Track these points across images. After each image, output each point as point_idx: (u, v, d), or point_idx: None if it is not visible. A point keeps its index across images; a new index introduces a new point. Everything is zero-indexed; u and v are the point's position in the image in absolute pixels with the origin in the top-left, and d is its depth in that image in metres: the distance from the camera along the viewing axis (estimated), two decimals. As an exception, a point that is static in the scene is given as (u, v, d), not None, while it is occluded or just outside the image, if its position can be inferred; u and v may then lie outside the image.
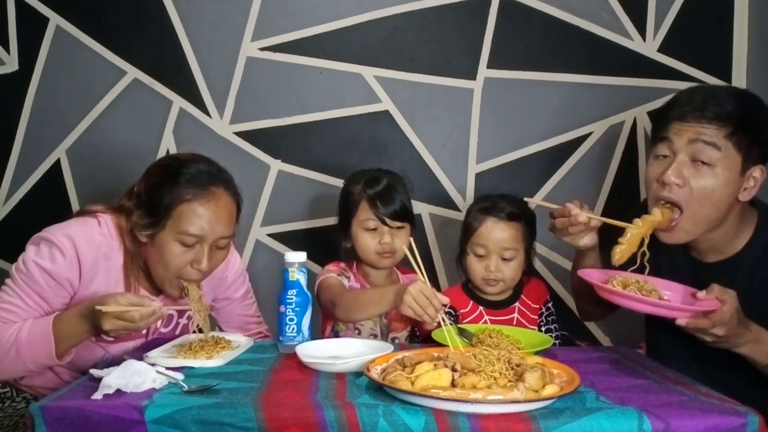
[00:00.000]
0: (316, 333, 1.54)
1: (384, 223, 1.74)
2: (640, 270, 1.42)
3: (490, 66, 2.33)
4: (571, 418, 1.01)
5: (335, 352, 1.36)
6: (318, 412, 1.02)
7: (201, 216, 1.44)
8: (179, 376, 1.17)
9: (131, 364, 1.14)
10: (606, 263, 1.56)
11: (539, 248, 2.23)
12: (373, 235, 1.75)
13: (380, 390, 1.12)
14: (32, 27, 2.29)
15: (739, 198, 1.39)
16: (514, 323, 1.74)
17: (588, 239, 1.51)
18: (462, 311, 1.76)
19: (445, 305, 1.44)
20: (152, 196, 1.46)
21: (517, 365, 1.15)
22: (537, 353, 1.35)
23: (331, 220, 2.17)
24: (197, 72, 2.31)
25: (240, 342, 1.47)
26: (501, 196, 1.80)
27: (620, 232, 1.43)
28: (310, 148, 2.33)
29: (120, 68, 2.30)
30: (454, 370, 1.12)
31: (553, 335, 1.73)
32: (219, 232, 1.47)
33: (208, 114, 2.32)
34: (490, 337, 1.49)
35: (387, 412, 1.02)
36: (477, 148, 2.35)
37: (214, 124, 2.33)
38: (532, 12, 2.32)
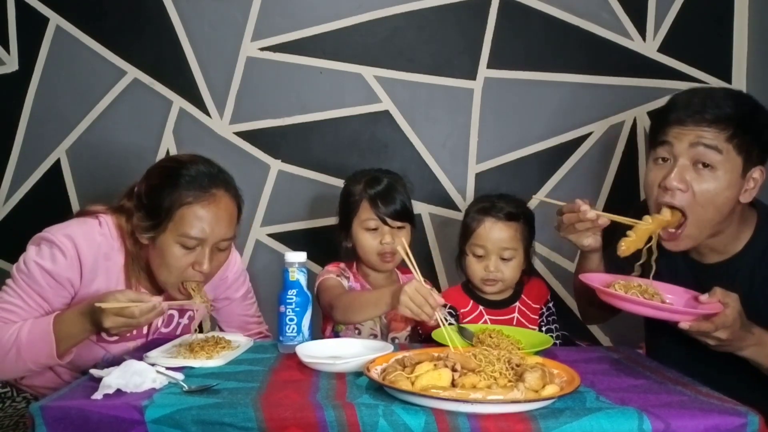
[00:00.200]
0: (316, 333, 1.54)
1: (385, 223, 1.74)
2: (647, 270, 1.41)
3: (490, 66, 2.33)
4: (571, 418, 1.01)
5: (335, 352, 1.36)
6: (318, 412, 1.02)
7: (202, 218, 1.44)
8: (179, 376, 1.17)
9: (131, 364, 1.14)
10: (608, 263, 1.57)
11: (539, 248, 2.23)
12: (374, 235, 1.76)
13: (380, 390, 1.12)
14: (32, 27, 2.29)
15: (740, 199, 1.39)
16: (515, 323, 1.74)
17: (592, 240, 1.50)
18: (462, 311, 1.76)
19: (443, 305, 1.44)
20: (153, 199, 1.46)
21: (517, 365, 1.15)
22: (537, 353, 1.35)
23: (331, 220, 2.17)
24: (197, 72, 2.31)
25: (240, 342, 1.47)
26: (499, 196, 1.80)
27: (623, 233, 1.43)
28: (310, 148, 2.33)
29: (120, 68, 2.30)
30: (454, 370, 1.12)
31: (554, 335, 1.73)
32: (220, 234, 1.47)
33: (208, 114, 2.32)
34: (491, 337, 1.49)
35: (387, 412, 1.02)
36: (477, 148, 2.35)
37: (214, 124, 2.33)
38: (532, 12, 2.32)
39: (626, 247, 1.39)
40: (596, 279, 1.44)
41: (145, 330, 1.56)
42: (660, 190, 1.40)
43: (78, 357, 1.44)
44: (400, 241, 1.57)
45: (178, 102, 2.31)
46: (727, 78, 2.33)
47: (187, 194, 1.44)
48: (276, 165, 2.34)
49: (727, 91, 1.43)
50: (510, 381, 1.09)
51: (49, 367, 1.47)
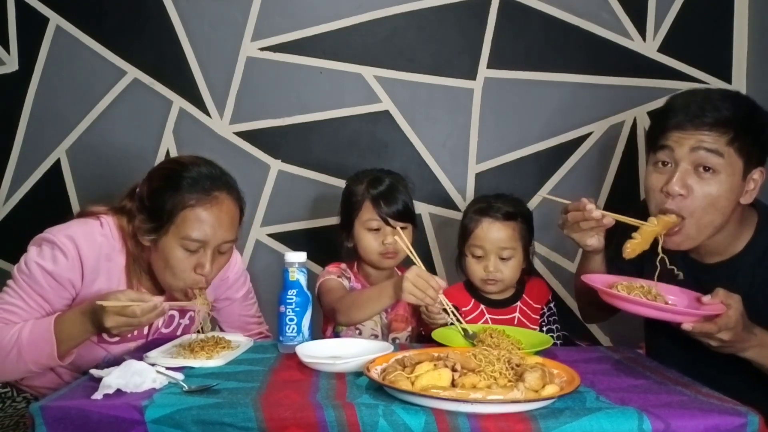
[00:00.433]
0: (316, 333, 1.54)
1: (387, 223, 1.74)
2: (653, 270, 1.41)
3: (490, 66, 2.33)
4: (571, 418, 1.01)
5: (335, 352, 1.36)
6: (318, 412, 1.02)
7: (204, 221, 1.44)
8: (179, 376, 1.17)
9: (131, 364, 1.14)
10: (609, 263, 1.57)
11: (539, 248, 2.23)
12: (376, 236, 1.76)
13: (380, 390, 1.12)
14: (32, 27, 2.29)
15: (741, 201, 1.39)
16: (515, 323, 1.74)
17: (595, 240, 1.50)
18: (464, 309, 1.76)
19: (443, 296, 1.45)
20: (155, 201, 1.46)
21: (517, 365, 1.15)
22: (537, 353, 1.35)
23: (332, 220, 2.17)
24: (197, 72, 2.31)
25: (240, 342, 1.47)
26: (497, 196, 1.80)
27: (624, 234, 1.43)
28: (310, 148, 2.33)
29: (120, 68, 2.30)
30: (454, 370, 1.12)
31: (555, 335, 1.73)
32: (222, 237, 1.47)
33: (208, 114, 2.32)
34: (491, 336, 1.49)
35: (387, 412, 1.02)
36: (477, 148, 2.35)
37: (214, 124, 2.33)
38: (532, 12, 2.32)
39: (632, 249, 1.39)
40: (598, 280, 1.44)
41: (145, 330, 1.56)
42: (661, 195, 1.40)
43: (79, 357, 1.44)
44: (399, 235, 1.58)
45: (178, 102, 2.31)
46: (727, 78, 2.33)
47: (189, 197, 1.44)
48: (276, 165, 2.34)
49: (724, 92, 1.42)
50: (510, 381, 1.09)
51: (50, 368, 1.47)
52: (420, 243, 2.25)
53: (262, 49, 2.31)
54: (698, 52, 2.33)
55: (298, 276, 1.44)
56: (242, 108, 2.32)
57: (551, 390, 1.06)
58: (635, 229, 1.41)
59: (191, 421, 1.01)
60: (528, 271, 1.82)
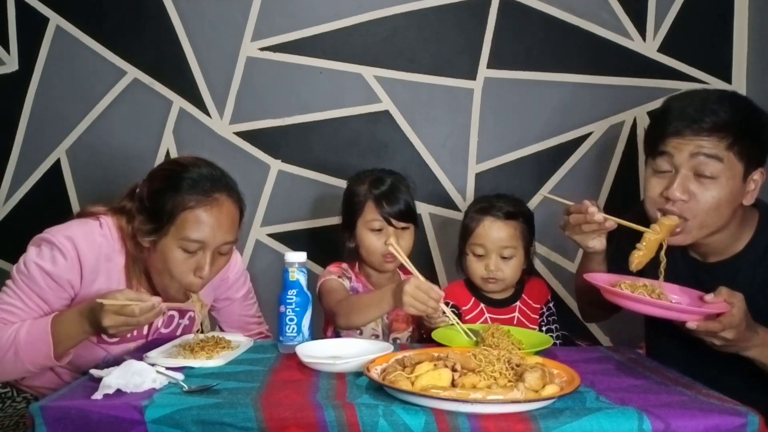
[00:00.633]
0: (317, 333, 1.54)
1: (389, 223, 1.74)
2: (656, 277, 1.41)
3: (490, 66, 2.33)
4: (571, 418, 1.00)
5: (335, 352, 1.36)
6: (318, 412, 1.02)
7: (204, 223, 1.44)
8: (179, 376, 1.17)
9: (131, 364, 1.14)
10: (610, 264, 1.57)
11: (539, 248, 2.23)
12: (379, 236, 1.75)
13: (380, 390, 1.12)
14: (32, 27, 2.29)
15: (743, 202, 1.40)
16: (515, 322, 1.74)
17: (597, 242, 1.50)
18: (464, 308, 1.77)
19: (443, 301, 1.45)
20: (155, 202, 1.46)
21: (517, 365, 1.15)
22: (537, 353, 1.35)
23: (332, 220, 2.17)
24: (197, 72, 2.31)
25: (240, 342, 1.47)
26: (498, 196, 1.80)
27: (628, 233, 1.43)
28: (310, 148, 2.33)
29: (120, 68, 2.30)
30: (454, 370, 1.12)
31: (554, 335, 1.73)
32: (221, 239, 1.47)
33: (208, 114, 2.32)
34: (493, 336, 1.49)
35: (387, 412, 1.02)
36: (477, 148, 2.35)
37: (214, 124, 2.33)
38: (532, 12, 2.32)
39: (638, 262, 1.38)
40: (601, 278, 1.43)
41: (145, 331, 1.56)
42: (663, 199, 1.40)
43: (78, 358, 1.44)
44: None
45: (178, 102, 2.31)
46: (727, 78, 2.34)
47: (189, 198, 1.44)
48: (276, 165, 2.34)
49: (721, 93, 1.41)
50: (510, 381, 1.09)
51: (50, 368, 1.47)
52: (420, 243, 2.25)
53: (262, 49, 2.31)
54: (698, 52, 2.33)
55: (298, 276, 1.44)
56: (242, 108, 2.32)
57: (551, 390, 1.06)
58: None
59: (191, 421, 1.01)
60: (528, 271, 1.82)
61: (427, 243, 2.35)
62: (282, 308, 1.43)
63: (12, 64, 2.30)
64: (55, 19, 2.29)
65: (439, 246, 2.37)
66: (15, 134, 2.31)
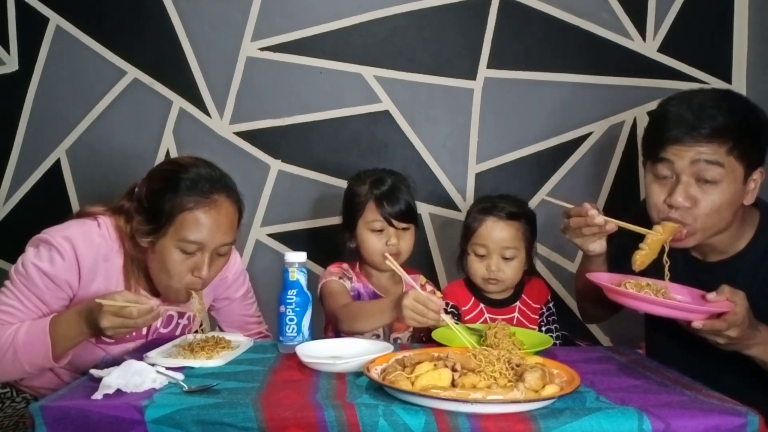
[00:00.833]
0: (317, 333, 1.54)
1: (390, 224, 1.74)
2: (656, 277, 1.41)
3: (490, 66, 2.33)
4: (571, 418, 1.01)
5: (335, 352, 1.36)
6: (318, 412, 1.02)
7: (202, 224, 1.44)
8: (179, 376, 1.17)
9: (131, 364, 1.14)
10: (611, 264, 1.56)
11: (540, 248, 2.23)
12: (380, 236, 1.75)
13: (380, 390, 1.12)
14: (32, 27, 2.29)
15: (743, 202, 1.40)
16: (515, 322, 1.74)
17: (598, 245, 1.50)
18: (463, 308, 1.77)
19: (444, 310, 1.45)
20: (153, 203, 1.45)
21: (517, 365, 1.15)
22: (537, 353, 1.35)
23: (332, 220, 2.17)
24: (197, 72, 2.31)
25: (240, 342, 1.47)
26: (501, 197, 1.80)
27: (628, 233, 1.43)
28: (310, 148, 2.33)
29: (120, 68, 2.30)
30: (454, 370, 1.12)
31: (554, 335, 1.73)
32: (220, 240, 1.47)
33: (208, 114, 2.32)
34: (495, 336, 1.49)
35: (387, 412, 1.02)
36: (477, 148, 2.35)
37: (214, 124, 2.33)
38: (532, 12, 2.32)
39: (641, 261, 1.38)
40: (603, 278, 1.43)
41: (144, 331, 1.55)
42: (665, 206, 1.39)
43: (78, 358, 1.43)
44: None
45: (178, 102, 2.31)
46: (727, 78, 2.34)
47: (188, 199, 1.44)
48: (276, 165, 2.34)
49: (717, 95, 1.40)
50: (510, 381, 1.09)
51: (47, 369, 1.47)
52: (420, 243, 2.25)
53: (262, 49, 2.31)
54: (698, 52, 2.33)
55: (298, 276, 1.44)
56: (242, 108, 2.32)
57: (551, 390, 1.06)
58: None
59: (191, 421, 1.01)
60: (529, 272, 1.82)
61: (427, 243, 2.35)
62: (282, 308, 1.43)
63: (12, 64, 2.30)
64: (55, 19, 2.29)
65: (439, 246, 2.37)
66: (15, 134, 2.30)
